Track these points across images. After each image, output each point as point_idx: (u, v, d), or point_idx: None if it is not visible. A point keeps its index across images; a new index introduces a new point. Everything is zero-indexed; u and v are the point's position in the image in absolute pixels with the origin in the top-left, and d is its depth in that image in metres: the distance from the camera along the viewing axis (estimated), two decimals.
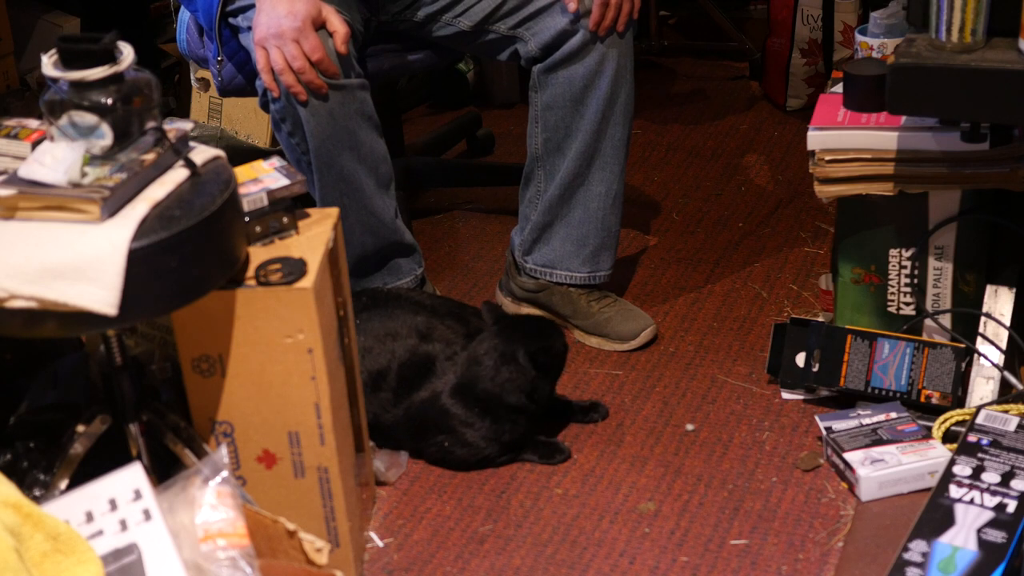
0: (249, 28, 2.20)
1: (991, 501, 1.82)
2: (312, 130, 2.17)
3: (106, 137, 1.63)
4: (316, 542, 1.66)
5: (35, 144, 1.68)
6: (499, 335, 2.14)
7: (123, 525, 1.53)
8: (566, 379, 2.35)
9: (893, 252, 2.21)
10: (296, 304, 1.72)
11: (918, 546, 1.76)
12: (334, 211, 1.90)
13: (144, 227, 1.59)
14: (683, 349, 2.45)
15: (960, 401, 2.14)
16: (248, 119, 3.31)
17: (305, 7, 2.12)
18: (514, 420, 2.13)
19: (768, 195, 2.99)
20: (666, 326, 2.52)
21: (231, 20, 2.30)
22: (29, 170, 1.61)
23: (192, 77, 3.03)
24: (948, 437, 2.07)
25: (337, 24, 2.16)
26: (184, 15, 2.47)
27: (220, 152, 1.76)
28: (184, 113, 3.40)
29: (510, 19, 2.36)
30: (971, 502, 1.82)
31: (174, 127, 1.72)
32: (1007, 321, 2.14)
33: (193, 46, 2.47)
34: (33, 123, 1.74)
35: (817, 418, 2.14)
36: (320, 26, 2.15)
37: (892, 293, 2.24)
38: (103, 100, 1.62)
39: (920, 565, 1.74)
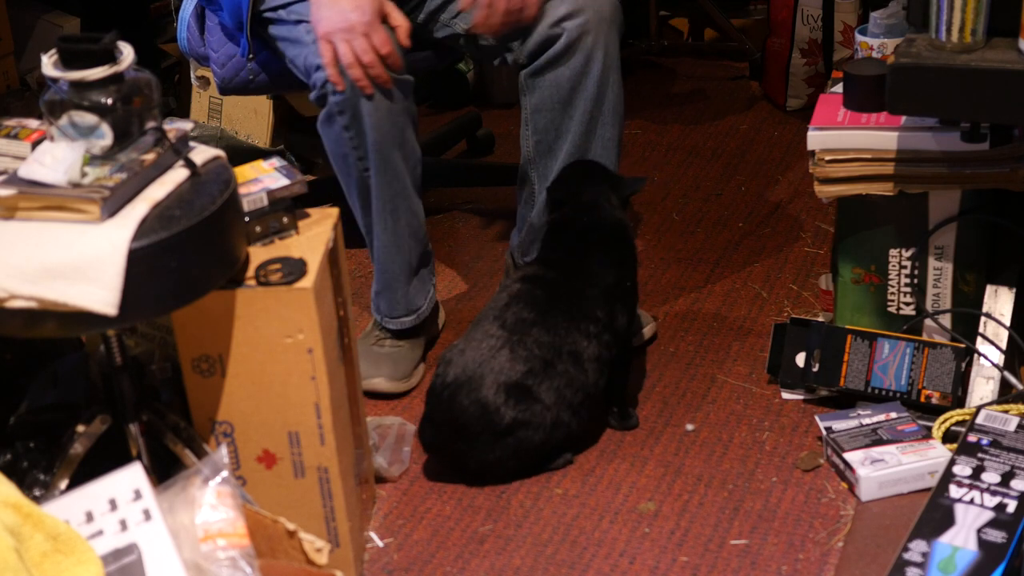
0: (296, 22, 2.19)
1: (991, 501, 1.82)
2: (373, 124, 2.16)
3: (106, 137, 1.63)
4: (316, 542, 1.66)
5: (35, 144, 1.68)
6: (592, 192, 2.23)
7: (123, 525, 1.53)
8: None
9: (893, 252, 2.21)
10: (296, 304, 1.72)
11: (918, 546, 1.76)
12: (334, 211, 1.90)
13: (144, 227, 1.59)
14: (683, 349, 2.45)
15: (960, 401, 2.14)
16: (248, 119, 3.31)
17: (371, 1, 2.12)
18: None
19: (768, 195, 2.99)
20: (666, 326, 2.52)
21: (265, 16, 2.28)
22: (29, 170, 1.61)
23: (192, 75, 3.03)
24: (948, 437, 2.07)
25: (399, 19, 2.16)
26: (185, 12, 2.45)
27: (220, 152, 1.76)
28: (184, 113, 3.40)
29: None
30: (971, 502, 1.82)
31: (174, 127, 1.72)
32: (1007, 321, 2.14)
33: (194, 44, 2.47)
34: (33, 123, 1.74)
35: (817, 418, 2.14)
36: (383, 20, 2.14)
37: (892, 293, 2.24)
38: (103, 100, 1.62)
39: (920, 565, 1.74)
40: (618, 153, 2.41)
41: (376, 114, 2.16)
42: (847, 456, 2.04)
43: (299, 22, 2.20)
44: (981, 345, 2.15)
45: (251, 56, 2.35)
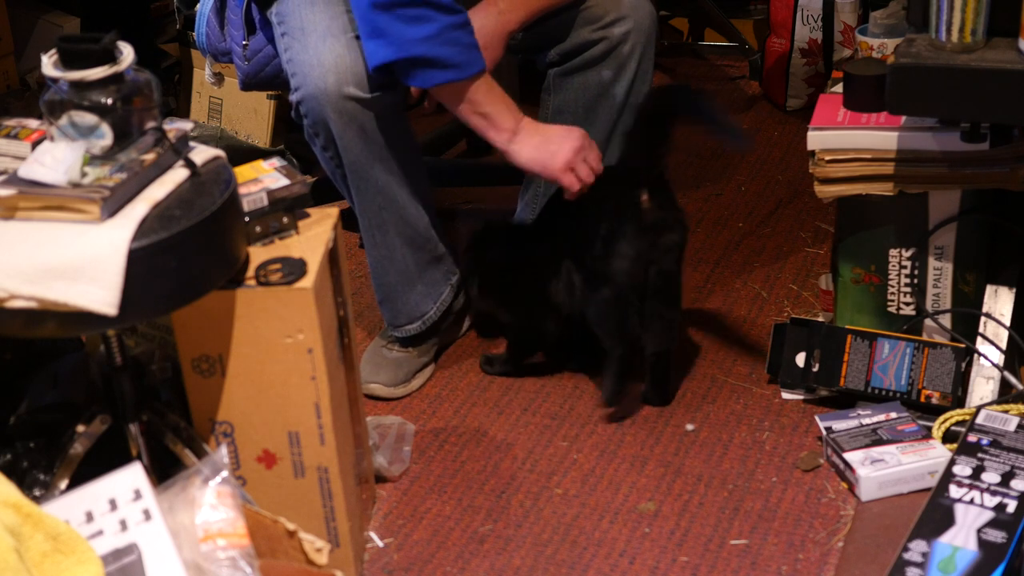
0: (282, 35, 2.16)
1: (991, 501, 1.82)
2: (344, 146, 2.13)
3: (106, 137, 1.63)
4: (316, 542, 1.67)
5: (35, 144, 1.68)
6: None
7: (123, 525, 1.53)
8: (566, 378, 2.36)
9: (893, 252, 2.21)
10: (296, 304, 1.72)
11: (918, 546, 1.76)
12: (334, 211, 1.90)
13: (144, 227, 1.59)
14: (683, 349, 2.45)
15: (960, 401, 2.14)
16: (248, 119, 3.30)
17: (570, 133, 2.18)
18: None
19: (768, 195, 2.99)
20: None
21: (268, 14, 2.25)
22: (29, 170, 1.61)
23: (208, 71, 2.99)
24: (948, 437, 2.07)
25: None
26: (204, 7, 2.42)
27: (220, 152, 1.76)
28: (184, 113, 3.40)
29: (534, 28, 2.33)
30: (971, 502, 1.82)
31: (174, 127, 1.72)
32: (1007, 321, 2.14)
33: (213, 39, 2.43)
34: (33, 123, 1.74)
35: (817, 418, 2.14)
36: None
37: (892, 293, 2.24)
38: (103, 100, 1.62)
39: (920, 565, 1.74)
40: None
41: (346, 137, 2.12)
42: (847, 456, 2.04)
43: (284, 35, 2.17)
44: (981, 345, 2.15)
45: (245, 43, 2.32)
